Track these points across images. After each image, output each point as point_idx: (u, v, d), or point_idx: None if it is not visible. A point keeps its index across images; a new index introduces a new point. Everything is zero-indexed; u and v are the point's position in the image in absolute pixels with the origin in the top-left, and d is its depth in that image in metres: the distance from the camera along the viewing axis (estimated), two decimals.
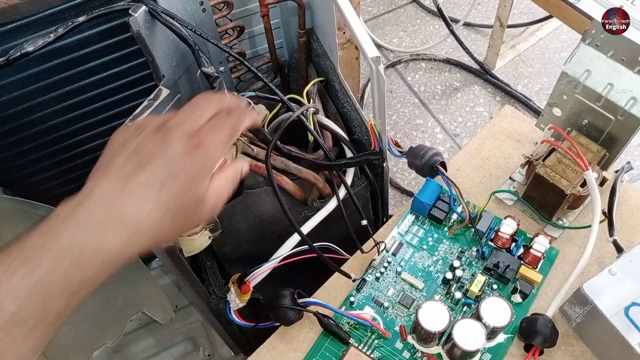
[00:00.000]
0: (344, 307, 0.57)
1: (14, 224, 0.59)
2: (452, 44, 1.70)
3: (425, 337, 0.51)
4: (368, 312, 0.56)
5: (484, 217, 0.60)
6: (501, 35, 1.55)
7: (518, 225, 0.58)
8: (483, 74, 1.64)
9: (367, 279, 0.59)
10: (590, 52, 0.57)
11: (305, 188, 0.64)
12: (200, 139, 0.37)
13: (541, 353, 0.53)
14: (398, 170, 1.43)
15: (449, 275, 0.56)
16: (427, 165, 0.63)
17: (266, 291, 0.58)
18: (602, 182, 0.63)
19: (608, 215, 0.57)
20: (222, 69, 0.77)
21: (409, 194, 1.33)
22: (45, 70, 0.64)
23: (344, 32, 1.09)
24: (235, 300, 0.57)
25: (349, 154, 0.65)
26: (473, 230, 0.60)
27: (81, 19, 0.55)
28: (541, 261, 0.57)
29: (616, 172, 0.63)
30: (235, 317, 0.59)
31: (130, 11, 0.54)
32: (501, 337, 0.54)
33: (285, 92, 0.77)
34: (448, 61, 1.69)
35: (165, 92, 0.61)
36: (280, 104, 0.64)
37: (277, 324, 0.57)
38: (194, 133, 0.37)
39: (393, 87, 1.63)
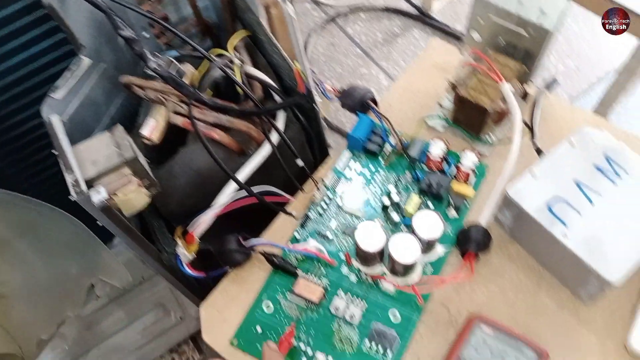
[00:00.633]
0: (289, 244, 0.59)
1: None
2: None
3: (366, 257, 0.54)
4: (313, 245, 0.58)
5: (416, 143, 0.62)
6: None
7: (447, 146, 0.60)
8: (421, 17, 1.65)
9: (310, 215, 0.61)
10: None
11: (247, 142, 0.65)
12: None
13: (477, 258, 0.56)
14: (348, 121, 1.45)
15: (386, 201, 0.59)
16: (359, 102, 0.65)
17: (217, 242, 0.59)
18: (525, 96, 0.66)
19: (529, 123, 0.60)
20: (147, 35, 0.76)
21: None
22: None
23: None
24: (185, 253, 0.58)
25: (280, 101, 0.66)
26: (407, 157, 0.62)
27: None
28: (472, 176, 0.60)
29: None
30: (188, 270, 0.61)
31: None
32: (440, 251, 0.57)
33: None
34: (386, 9, 1.70)
35: (86, 61, 0.61)
36: (206, 61, 0.65)
37: (228, 269, 0.59)
38: None
39: (335, 41, 1.64)
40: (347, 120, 1.43)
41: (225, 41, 0.79)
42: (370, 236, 0.52)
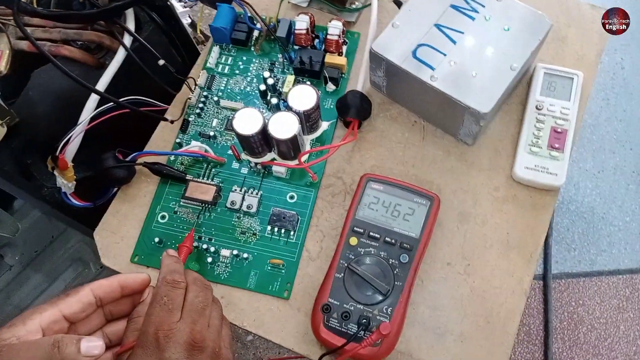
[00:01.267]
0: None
1: None
2: None
3: (250, 146, 0.52)
4: (197, 145, 0.56)
5: (281, 23, 0.60)
6: None
7: (311, 19, 0.59)
8: None
9: (189, 119, 0.59)
10: None
11: (103, 54, 0.60)
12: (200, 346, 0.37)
13: (360, 125, 0.56)
14: None
15: (263, 87, 0.57)
16: None
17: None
18: None
19: None
20: None
21: None
22: None
23: None
24: (64, 183, 0.55)
25: None
26: (276, 40, 0.60)
27: None
28: (343, 46, 0.59)
29: None
30: (74, 200, 0.58)
31: None
32: (325, 126, 0.57)
33: None
34: None
35: None
36: None
37: (115, 189, 0.57)
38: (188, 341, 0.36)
39: None
40: None
41: None
42: (248, 121, 0.51)
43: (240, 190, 0.55)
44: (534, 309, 1.10)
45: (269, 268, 0.52)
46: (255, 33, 0.62)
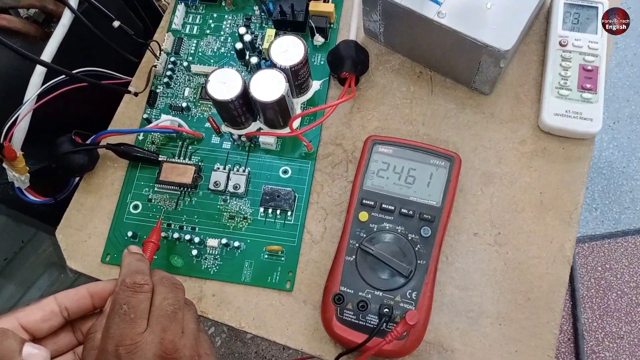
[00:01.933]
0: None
1: None
2: None
3: (228, 113, 0.44)
4: (168, 120, 0.48)
5: None
6: None
7: None
8: None
9: (157, 90, 0.50)
10: None
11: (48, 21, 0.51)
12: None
13: (358, 81, 0.48)
14: None
15: (239, 46, 0.49)
16: None
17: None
18: None
19: None
20: None
21: None
22: None
23: None
24: (16, 176, 0.47)
25: None
26: None
27: None
28: None
29: None
30: (32, 197, 0.49)
31: None
32: (316, 85, 0.48)
33: None
34: None
35: None
36: None
37: (77, 179, 0.48)
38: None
39: None
40: None
41: None
42: (226, 84, 0.42)
43: (224, 169, 0.46)
44: None
45: (266, 256, 0.44)
46: None
